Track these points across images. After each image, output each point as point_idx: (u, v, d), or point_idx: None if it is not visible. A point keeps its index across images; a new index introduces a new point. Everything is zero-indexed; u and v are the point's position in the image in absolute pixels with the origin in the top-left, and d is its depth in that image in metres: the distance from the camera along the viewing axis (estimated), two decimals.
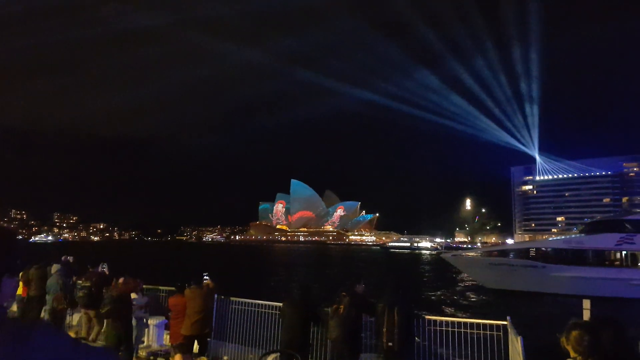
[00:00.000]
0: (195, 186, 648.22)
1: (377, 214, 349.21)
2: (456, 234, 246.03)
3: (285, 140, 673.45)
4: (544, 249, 40.05)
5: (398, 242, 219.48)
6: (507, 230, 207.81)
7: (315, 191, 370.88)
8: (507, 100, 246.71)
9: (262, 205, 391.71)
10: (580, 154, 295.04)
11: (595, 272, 34.63)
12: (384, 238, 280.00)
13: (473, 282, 44.80)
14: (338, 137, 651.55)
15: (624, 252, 35.29)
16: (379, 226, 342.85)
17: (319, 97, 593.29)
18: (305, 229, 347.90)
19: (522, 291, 37.46)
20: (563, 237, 43.51)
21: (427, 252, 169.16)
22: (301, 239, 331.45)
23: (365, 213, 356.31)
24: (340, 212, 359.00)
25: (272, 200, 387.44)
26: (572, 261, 36.42)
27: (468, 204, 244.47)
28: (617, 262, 35.54)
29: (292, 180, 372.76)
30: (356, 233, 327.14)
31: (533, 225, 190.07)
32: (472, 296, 38.44)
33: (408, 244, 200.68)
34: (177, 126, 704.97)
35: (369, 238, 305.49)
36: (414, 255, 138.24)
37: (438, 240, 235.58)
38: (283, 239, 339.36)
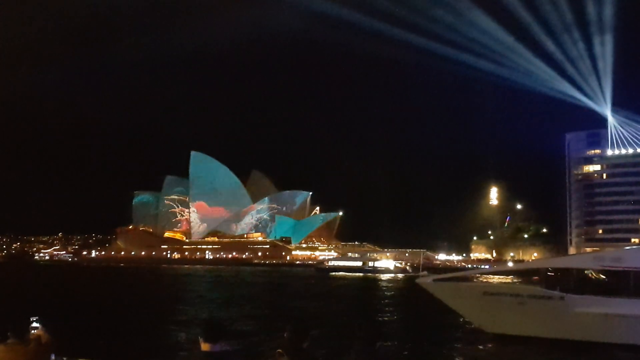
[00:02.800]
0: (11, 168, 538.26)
1: (341, 213, 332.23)
2: (473, 247, 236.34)
3: (177, 89, 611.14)
4: (564, 269, 39.93)
5: (343, 261, 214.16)
6: (557, 239, 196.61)
7: (234, 173, 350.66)
8: (560, 21, 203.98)
9: (139, 198, 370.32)
10: None
11: (635, 307, 34.10)
12: (350, 254, 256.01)
13: (469, 325, 44.60)
14: (269, 83, 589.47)
15: None
16: (343, 234, 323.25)
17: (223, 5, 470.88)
18: (217, 239, 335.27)
19: (538, 337, 36.86)
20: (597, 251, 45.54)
21: (389, 275, 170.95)
22: (209, 255, 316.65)
23: (321, 212, 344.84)
24: (276, 208, 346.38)
25: (157, 189, 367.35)
26: (605, 290, 36.64)
27: (494, 196, 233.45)
28: None
29: (193, 154, 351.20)
30: (304, 245, 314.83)
31: (600, 231, 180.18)
32: (463, 349, 38.62)
33: (360, 264, 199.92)
34: None
35: (326, 254, 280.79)
36: (367, 281, 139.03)
37: (442, 256, 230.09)
38: (176, 256, 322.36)
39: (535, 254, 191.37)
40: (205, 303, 70.63)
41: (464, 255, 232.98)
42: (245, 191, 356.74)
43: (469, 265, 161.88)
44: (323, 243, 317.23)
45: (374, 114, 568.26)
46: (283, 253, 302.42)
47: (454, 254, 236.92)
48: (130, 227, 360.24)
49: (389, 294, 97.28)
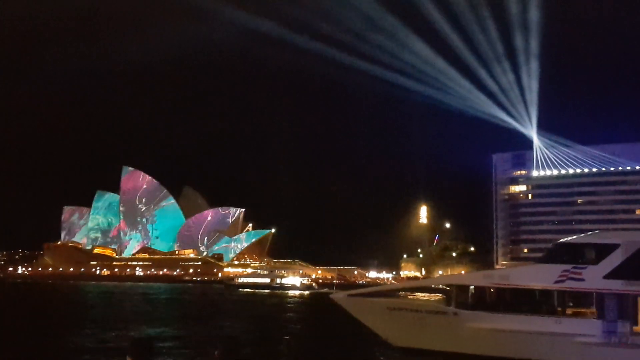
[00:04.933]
0: None
1: (273, 230, 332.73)
2: (403, 265, 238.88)
3: (109, 102, 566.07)
4: (456, 286, 41.01)
5: (252, 278, 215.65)
6: (484, 257, 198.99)
7: (165, 188, 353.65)
8: (490, 46, 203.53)
9: (68, 212, 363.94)
10: (600, 136, 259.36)
11: (523, 323, 35.80)
12: (283, 272, 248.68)
13: (378, 338, 44.00)
14: (203, 97, 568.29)
15: (565, 294, 36.52)
16: (275, 251, 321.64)
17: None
18: (147, 255, 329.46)
19: (436, 351, 37.61)
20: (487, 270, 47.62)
21: (297, 291, 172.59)
22: (139, 272, 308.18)
23: (254, 228, 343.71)
24: (210, 225, 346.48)
25: (87, 203, 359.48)
26: (493, 306, 38.12)
27: (423, 215, 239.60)
28: (555, 308, 36.92)
29: (125, 168, 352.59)
30: (237, 262, 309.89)
31: (526, 250, 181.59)
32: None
33: (268, 280, 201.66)
34: None
35: (259, 273, 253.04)
36: (275, 297, 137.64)
37: (372, 274, 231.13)
38: (106, 272, 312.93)
39: (463, 272, 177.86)
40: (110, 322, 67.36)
41: (394, 273, 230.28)
42: (177, 206, 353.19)
43: (388, 283, 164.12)
44: (255, 260, 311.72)
45: (307, 132, 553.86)
46: (215, 270, 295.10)
47: (384, 272, 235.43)
48: (58, 243, 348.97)
49: (293, 308, 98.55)
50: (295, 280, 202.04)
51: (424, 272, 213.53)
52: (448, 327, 38.01)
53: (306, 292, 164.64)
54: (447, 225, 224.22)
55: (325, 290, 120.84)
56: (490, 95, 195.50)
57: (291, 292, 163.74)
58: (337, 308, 46.27)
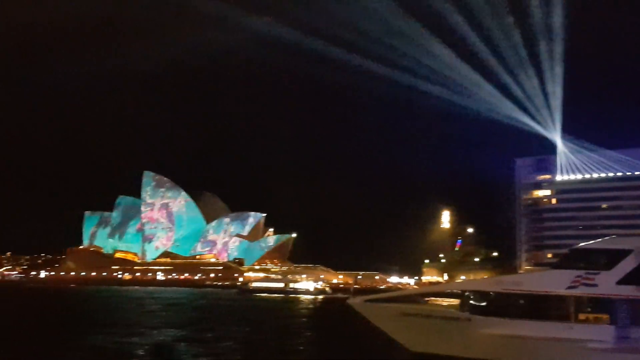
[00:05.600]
0: None
1: (294, 235, 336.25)
2: (425, 270, 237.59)
3: (131, 108, 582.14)
4: (470, 292, 41.45)
5: (265, 283, 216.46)
6: (507, 262, 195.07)
7: (188, 194, 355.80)
8: (513, 49, 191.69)
9: (90, 217, 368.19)
10: (626, 140, 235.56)
11: (534, 329, 35.85)
12: (303, 277, 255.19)
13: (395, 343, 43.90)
14: (223, 103, 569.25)
15: (578, 299, 36.52)
16: (296, 256, 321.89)
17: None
18: (169, 260, 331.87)
19: (451, 357, 37.58)
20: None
21: (309, 296, 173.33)
22: (160, 277, 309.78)
23: (274, 233, 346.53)
24: (230, 230, 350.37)
25: (108, 208, 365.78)
26: (506, 312, 37.91)
27: (445, 220, 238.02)
28: (568, 314, 36.74)
29: (146, 173, 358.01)
30: (258, 267, 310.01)
31: (550, 255, 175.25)
32: None
33: (281, 285, 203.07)
34: None
35: (272, 278, 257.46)
36: (288, 302, 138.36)
37: (394, 279, 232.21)
38: (127, 277, 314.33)
39: (472, 278, 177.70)
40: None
41: (416, 278, 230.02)
42: (199, 211, 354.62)
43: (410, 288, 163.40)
44: (276, 265, 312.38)
45: (329, 137, 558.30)
46: (236, 275, 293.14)
47: (406, 277, 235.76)
48: (81, 247, 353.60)
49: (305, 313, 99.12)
50: (308, 284, 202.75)
51: (446, 277, 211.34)
52: (461, 333, 38.11)
53: (319, 297, 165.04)
54: (470, 230, 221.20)
55: (339, 295, 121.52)
56: (513, 99, 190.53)
57: (304, 297, 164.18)
58: (351, 313, 46.50)
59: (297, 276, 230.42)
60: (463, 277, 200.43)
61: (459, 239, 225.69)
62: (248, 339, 55.40)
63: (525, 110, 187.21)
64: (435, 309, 41.96)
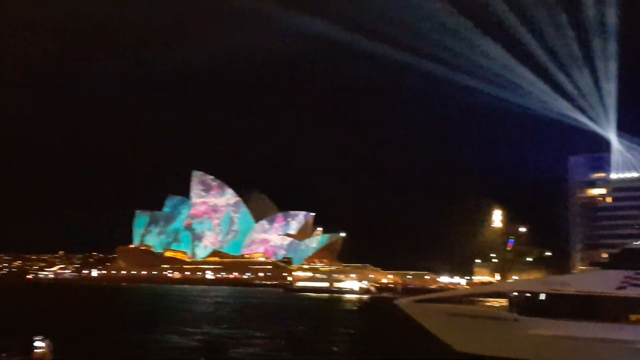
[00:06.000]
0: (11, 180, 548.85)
1: (343, 234, 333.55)
2: (476, 270, 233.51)
3: (179, 109, 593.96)
4: (516, 293, 41.74)
5: (310, 282, 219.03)
6: (561, 263, 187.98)
7: (237, 193, 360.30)
8: (565, 47, 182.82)
9: (140, 217, 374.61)
10: None
11: (583, 330, 35.76)
12: (352, 276, 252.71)
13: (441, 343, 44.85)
14: (272, 104, 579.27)
15: (627, 300, 36.25)
16: (345, 256, 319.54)
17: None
18: (218, 259, 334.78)
19: (497, 357, 38.02)
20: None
21: (354, 295, 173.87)
22: (209, 275, 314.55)
23: (323, 233, 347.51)
24: (279, 229, 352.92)
25: (158, 207, 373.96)
26: (554, 313, 37.96)
27: (497, 219, 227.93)
28: (617, 315, 36.69)
29: (195, 173, 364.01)
30: (306, 266, 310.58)
31: (604, 255, 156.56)
32: None
33: (326, 285, 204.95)
34: None
35: (317, 277, 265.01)
36: (332, 301, 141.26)
37: (445, 279, 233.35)
38: (177, 275, 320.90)
39: (519, 278, 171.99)
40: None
41: (468, 278, 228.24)
42: (247, 210, 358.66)
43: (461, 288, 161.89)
44: (325, 264, 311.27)
45: (379, 136, 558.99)
46: (284, 274, 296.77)
47: (456, 277, 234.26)
48: (131, 246, 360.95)
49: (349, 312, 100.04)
50: (353, 284, 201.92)
51: (498, 278, 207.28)
52: (509, 334, 38.20)
53: (365, 296, 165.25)
54: (522, 229, 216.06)
55: (385, 294, 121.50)
56: (567, 97, 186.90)
57: (349, 296, 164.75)
58: (399, 313, 47.57)
59: (342, 275, 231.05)
60: (515, 277, 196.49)
61: (511, 238, 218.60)
62: (293, 336, 56.35)
63: (579, 108, 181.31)
64: (482, 309, 42.03)
